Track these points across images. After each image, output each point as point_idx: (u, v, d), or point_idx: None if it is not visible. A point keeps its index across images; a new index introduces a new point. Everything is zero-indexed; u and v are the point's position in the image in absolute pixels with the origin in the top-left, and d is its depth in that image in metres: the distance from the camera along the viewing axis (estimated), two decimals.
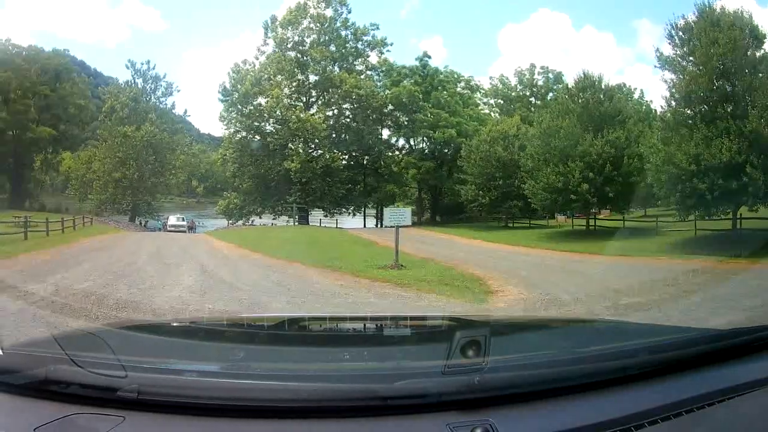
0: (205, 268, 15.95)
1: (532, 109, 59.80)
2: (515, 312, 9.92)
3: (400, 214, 17.96)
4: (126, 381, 1.51)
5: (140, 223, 58.80)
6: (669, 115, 25.75)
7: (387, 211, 19.07)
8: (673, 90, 25.10)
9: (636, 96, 36.07)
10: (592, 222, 36.22)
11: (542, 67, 64.86)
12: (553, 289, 12.04)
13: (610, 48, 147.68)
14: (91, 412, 1.51)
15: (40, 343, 2.15)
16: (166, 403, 1.52)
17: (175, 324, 3.69)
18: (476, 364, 1.60)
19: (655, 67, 26.84)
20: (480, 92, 66.24)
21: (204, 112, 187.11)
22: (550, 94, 61.50)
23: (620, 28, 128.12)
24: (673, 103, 25.39)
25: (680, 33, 25.51)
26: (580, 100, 34.68)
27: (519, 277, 14.69)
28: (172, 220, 56.14)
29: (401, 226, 17.17)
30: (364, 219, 62.80)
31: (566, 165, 31.56)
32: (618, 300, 10.31)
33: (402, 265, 15.85)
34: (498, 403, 1.60)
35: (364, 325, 3.50)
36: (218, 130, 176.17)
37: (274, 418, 1.53)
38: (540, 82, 64.25)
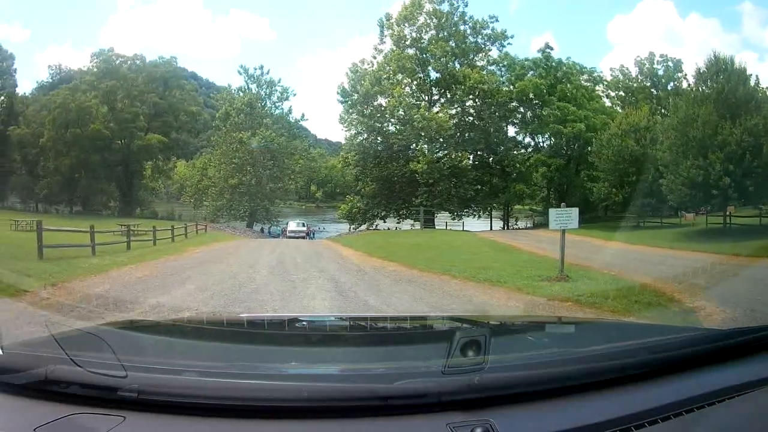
0: (339, 287, 14.97)
1: (654, 100, 60.39)
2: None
3: (567, 215, 16.49)
4: (126, 381, 1.67)
5: (261, 230, 62.83)
6: None
7: (553, 212, 17.26)
8: None
9: (752, 83, 38.43)
10: (727, 219, 36.26)
11: (661, 56, 65.66)
12: (754, 304, 11.25)
13: (717, 35, 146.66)
14: (91, 412, 1.67)
15: (40, 342, 2.34)
16: (167, 403, 1.69)
17: (175, 324, 4.10)
18: (476, 364, 1.78)
19: None
20: (603, 84, 67.25)
21: (320, 118, 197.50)
22: (671, 84, 62.50)
23: (724, 12, 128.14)
24: None
25: None
26: (715, 85, 35.17)
27: (700, 287, 13.69)
28: (292, 225, 59.43)
29: (568, 229, 16.38)
30: (491, 221, 64.67)
31: (705, 157, 32.04)
32: None
33: (568, 276, 15.23)
34: (498, 403, 1.78)
35: (364, 325, 3.76)
36: (335, 135, 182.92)
37: (274, 418, 1.70)
38: (660, 72, 64.54)
